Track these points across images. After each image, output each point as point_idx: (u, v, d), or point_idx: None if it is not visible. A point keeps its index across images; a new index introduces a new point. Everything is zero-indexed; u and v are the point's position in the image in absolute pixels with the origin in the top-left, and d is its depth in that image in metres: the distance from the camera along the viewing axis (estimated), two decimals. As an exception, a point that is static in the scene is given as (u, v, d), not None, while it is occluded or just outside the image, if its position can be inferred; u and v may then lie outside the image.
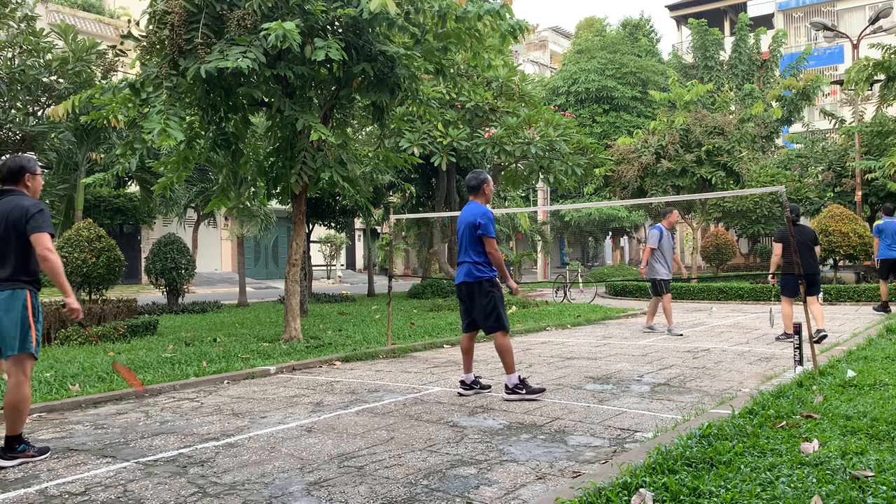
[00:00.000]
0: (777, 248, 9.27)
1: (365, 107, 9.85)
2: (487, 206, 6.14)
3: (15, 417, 4.32)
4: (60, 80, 12.73)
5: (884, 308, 12.94)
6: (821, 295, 9.36)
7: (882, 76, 14.52)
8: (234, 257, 31.46)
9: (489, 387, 6.27)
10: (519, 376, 5.96)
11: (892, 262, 12.76)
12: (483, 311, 5.94)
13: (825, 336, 8.81)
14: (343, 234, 30.34)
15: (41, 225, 4.33)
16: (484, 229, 5.88)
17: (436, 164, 13.77)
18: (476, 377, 6.26)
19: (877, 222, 13.12)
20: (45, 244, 4.31)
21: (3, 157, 4.95)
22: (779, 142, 29.83)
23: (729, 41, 36.38)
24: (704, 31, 34.41)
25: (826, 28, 19.84)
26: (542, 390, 5.94)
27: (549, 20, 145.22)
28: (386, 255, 36.19)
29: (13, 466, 4.23)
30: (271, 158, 9.54)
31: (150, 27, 7.80)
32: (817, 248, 9.42)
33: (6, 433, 4.34)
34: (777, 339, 9.48)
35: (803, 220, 27.98)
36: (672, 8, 43.06)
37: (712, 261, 22.90)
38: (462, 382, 6.16)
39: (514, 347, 6.79)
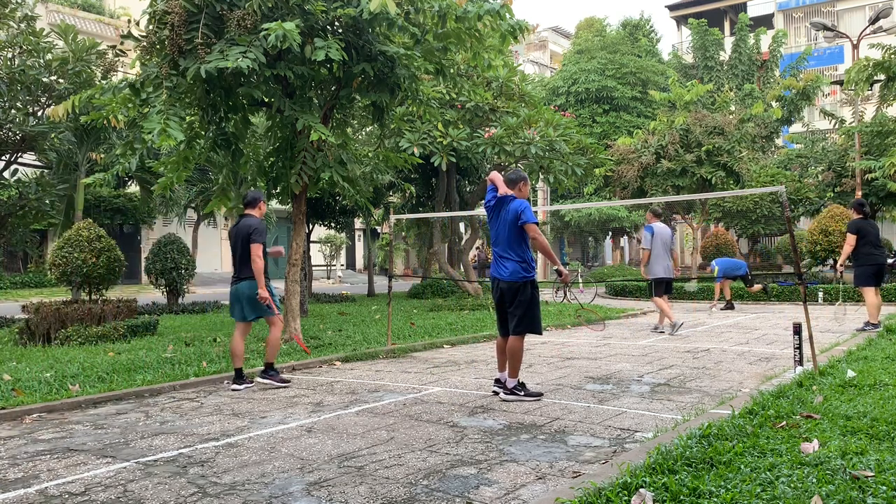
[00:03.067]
0: (851, 239, 9.40)
1: (365, 107, 9.84)
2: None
3: (272, 351, 6.79)
4: (60, 80, 12.72)
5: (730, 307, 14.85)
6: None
7: (882, 76, 14.50)
8: (234, 257, 31.34)
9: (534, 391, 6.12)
10: (518, 380, 5.94)
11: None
12: (521, 311, 5.79)
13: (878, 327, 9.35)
14: (343, 234, 30.33)
15: (256, 238, 6.58)
16: (525, 216, 5.74)
17: (436, 164, 13.76)
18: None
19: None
20: (257, 252, 6.55)
21: (247, 191, 7.15)
22: (779, 142, 29.82)
23: (729, 41, 36.38)
24: (704, 31, 34.40)
25: (826, 28, 19.84)
26: (539, 394, 5.93)
27: (549, 20, 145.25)
28: (386, 255, 36.19)
29: (265, 382, 6.68)
30: (271, 158, 9.54)
31: (150, 27, 7.79)
32: None
33: (265, 360, 6.83)
34: (863, 329, 9.61)
35: (803, 221, 28.03)
36: (672, 8, 43.05)
37: (712, 261, 22.89)
38: (497, 381, 6.10)
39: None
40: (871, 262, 9.47)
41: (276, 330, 6.80)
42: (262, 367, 6.89)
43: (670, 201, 20.74)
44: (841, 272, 10.05)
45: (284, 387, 6.65)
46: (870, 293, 9.55)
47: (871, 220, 9.68)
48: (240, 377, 6.65)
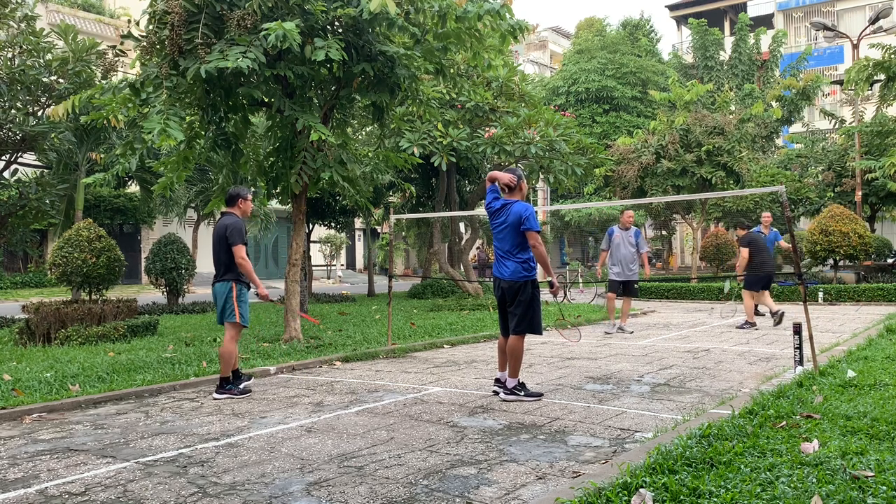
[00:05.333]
0: (745, 252, 10.89)
1: (365, 107, 9.85)
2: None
3: (224, 364, 6.23)
4: (60, 80, 12.71)
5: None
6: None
7: (882, 76, 14.51)
8: (234, 257, 31.31)
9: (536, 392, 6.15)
10: (519, 380, 5.94)
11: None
12: (522, 311, 5.82)
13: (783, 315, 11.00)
14: (343, 234, 30.34)
15: (234, 239, 6.25)
16: (529, 223, 5.79)
17: (436, 164, 13.76)
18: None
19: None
20: (240, 253, 6.26)
21: (231, 187, 6.82)
22: (779, 142, 29.83)
23: (729, 41, 36.40)
24: (704, 31, 34.41)
25: (826, 28, 19.84)
26: (539, 394, 5.94)
27: (549, 20, 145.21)
28: (386, 255, 36.18)
29: (222, 399, 6.11)
30: (271, 158, 9.54)
31: (150, 27, 7.79)
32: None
33: (220, 375, 6.28)
34: (742, 327, 11.01)
35: (803, 221, 28.00)
36: (672, 8, 43.06)
37: (712, 261, 22.90)
38: (497, 381, 6.10)
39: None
40: (762, 272, 10.84)
41: (231, 343, 6.29)
42: (218, 383, 6.35)
43: (670, 201, 20.76)
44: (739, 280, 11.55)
45: (241, 398, 6.16)
46: (749, 297, 11.03)
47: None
48: (237, 378, 6.52)
